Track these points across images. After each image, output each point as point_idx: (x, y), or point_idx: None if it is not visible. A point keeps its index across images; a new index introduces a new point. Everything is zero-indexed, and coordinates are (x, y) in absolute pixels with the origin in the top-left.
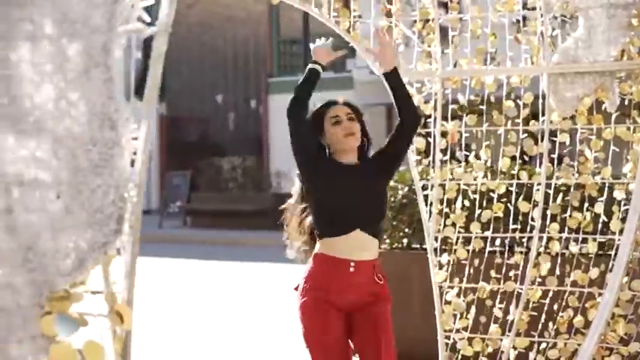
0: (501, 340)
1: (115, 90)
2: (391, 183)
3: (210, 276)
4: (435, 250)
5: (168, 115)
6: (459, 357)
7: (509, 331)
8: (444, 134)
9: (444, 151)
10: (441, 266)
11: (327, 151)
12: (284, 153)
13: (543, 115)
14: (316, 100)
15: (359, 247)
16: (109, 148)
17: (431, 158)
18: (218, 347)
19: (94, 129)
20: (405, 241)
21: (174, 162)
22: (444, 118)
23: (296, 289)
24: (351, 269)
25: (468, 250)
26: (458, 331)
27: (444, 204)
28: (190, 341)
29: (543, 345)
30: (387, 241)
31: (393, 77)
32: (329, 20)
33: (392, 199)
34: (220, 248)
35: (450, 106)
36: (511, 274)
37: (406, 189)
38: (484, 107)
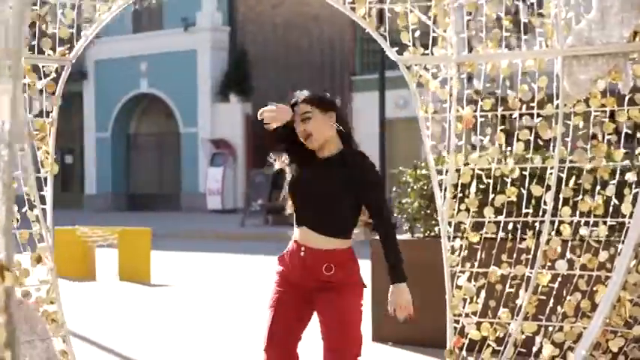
0: (509, 324)
1: None
2: (423, 171)
3: None
4: (449, 235)
5: (254, 114)
6: (467, 341)
7: (518, 315)
8: (459, 119)
9: (459, 136)
10: (453, 251)
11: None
12: (367, 150)
13: (557, 98)
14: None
15: (308, 240)
16: None
17: (446, 143)
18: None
19: None
20: (437, 229)
21: (259, 161)
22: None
23: None
24: (302, 253)
25: (480, 235)
26: (467, 315)
27: (459, 189)
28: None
29: (550, 328)
30: (421, 229)
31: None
32: (345, 7)
33: (424, 187)
34: None
35: (466, 91)
36: (522, 258)
37: None
38: (499, 91)
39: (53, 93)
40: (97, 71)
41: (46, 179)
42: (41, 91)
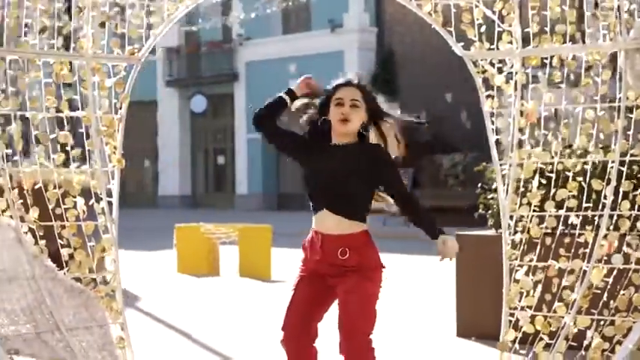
0: (562, 318)
1: None
2: None
3: (429, 270)
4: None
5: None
6: (520, 335)
7: (572, 309)
8: (522, 114)
9: (522, 131)
10: (514, 245)
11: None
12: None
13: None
14: None
15: (326, 223)
16: None
17: (510, 138)
18: None
19: None
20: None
21: (402, 160)
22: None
23: None
24: (318, 240)
25: (541, 229)
26: (522, 308)
27: (521, 183)
28: None
29: (602, 323)
30: None
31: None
32: (411, 4)
33: None
34: None
35: (530, 85)
36: (580, 252)
37: None
38: (563, 85)
39: (123, 91)
40: (248, 73)
41: (113, 173)
42: (110, 89)
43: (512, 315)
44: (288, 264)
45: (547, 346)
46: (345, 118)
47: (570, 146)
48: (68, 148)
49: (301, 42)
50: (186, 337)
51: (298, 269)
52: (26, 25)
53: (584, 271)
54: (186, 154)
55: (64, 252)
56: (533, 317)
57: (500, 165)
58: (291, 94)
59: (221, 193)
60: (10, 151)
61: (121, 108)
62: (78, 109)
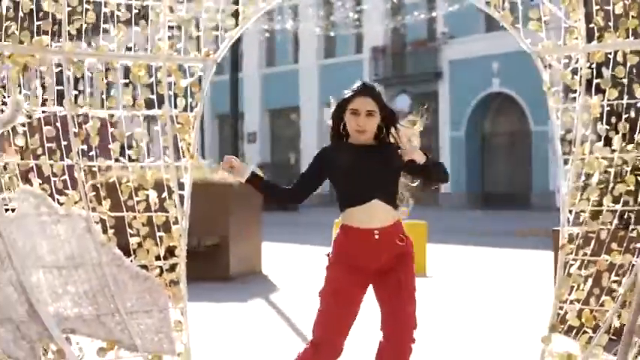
0: (607, 311)
1: None
2: None
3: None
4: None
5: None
6: (566, 327)
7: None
8: (587, 109)
9: (585, 126)
10: (570, 239)
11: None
12: None
13: None
14: None
15: (378, 215)
16: None
17: (574, 133)
18: None
19: None
20: None
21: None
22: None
23: (328, 255)
24: (376, 237)
25: (598, 223)
26: (571, 302)
27: (582, 177)
28: None
29: None
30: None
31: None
32: (479, 2)
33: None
34: None
35: (595, 80)
36: (632, 247)
37: None
38: (626, 80)
39: (199, 90)
40: (452, 71)
41: (186, 168)
42: (186, 89)
43: (560, 308)
44: (443, 260)
45: (590, 340)
46: (361, 129)
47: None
48: (143, 145)
49: (504, 40)
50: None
51: (337, 267)
52: (105, 30)
53: (633, 265)
54: None
55: (133, 241)
56: (580, 311)
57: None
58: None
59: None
60: (85, 146)
61: (196, 106)
62: (154, 108)
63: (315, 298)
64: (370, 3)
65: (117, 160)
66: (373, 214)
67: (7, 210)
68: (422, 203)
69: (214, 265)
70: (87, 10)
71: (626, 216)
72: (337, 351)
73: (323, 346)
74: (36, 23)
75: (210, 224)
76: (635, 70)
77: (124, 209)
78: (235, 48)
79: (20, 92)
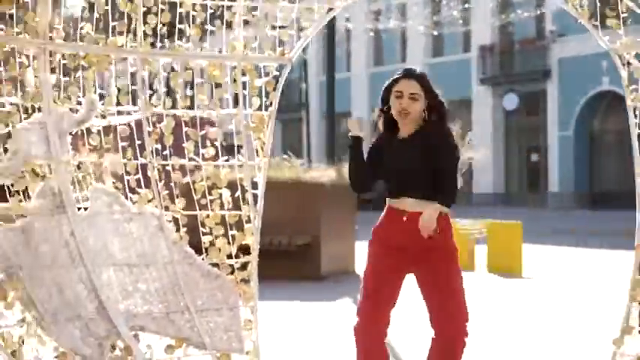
0: None
1: None
2: None
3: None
4: None
5: None
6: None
7: None
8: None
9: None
10: None
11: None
12: None
13: None
14: None
15: (411, 206)
16: None
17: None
18: None
19: None
20: None
21: None
22: None
23: None
24: (404, 218)
25: None
26: None
27: None
28: None
29: None
30: None
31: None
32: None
33: None
34: None
35: None
36: None
37: None
38: None
39: (274, 90)
40: (561, 70)
41: (260, 167)
42: (260, 88)
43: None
44: (543, 260)
45: None
46: (403, 111)
47: None
48: (217, 144)
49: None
50: None
51: (377, 247)
52: (180, 31)
53: None
54: (500, 152)
55: (205, 239)
56: None
57: None
58: (354, 141)
59: (533, 190)
60: (159, 145)
61: (270, 105)
62: (228, 107)
63: (401, 297)
64: (476, 1)
65: (191, 159)
66: (405, 205)
67: (79, 209)
68: (529, 204)
69: (306, 264)
70: (162, 10)
71: None
72: (379, 330)
73: (364, 324)
74: (111, 24)
75: (302, 223)
76: None
77: (197, 208)
78: (331, 48)
79: (95, 92)
